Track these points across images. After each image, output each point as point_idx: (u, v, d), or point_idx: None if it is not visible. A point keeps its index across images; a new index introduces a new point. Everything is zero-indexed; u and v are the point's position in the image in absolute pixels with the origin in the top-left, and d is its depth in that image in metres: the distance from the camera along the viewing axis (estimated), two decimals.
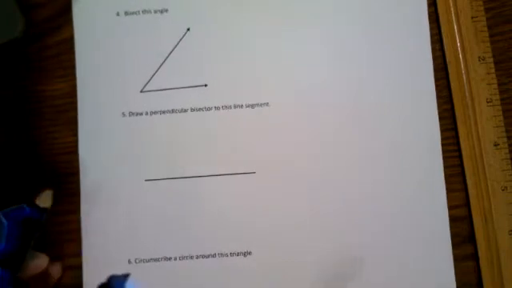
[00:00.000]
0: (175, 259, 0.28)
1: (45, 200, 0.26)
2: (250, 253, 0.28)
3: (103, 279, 0.28)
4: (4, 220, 0.24)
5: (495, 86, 0.29)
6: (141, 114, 0.29)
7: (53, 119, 0.30)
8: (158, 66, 0.30)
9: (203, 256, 0.28)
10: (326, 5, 0.30)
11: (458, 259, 0.28)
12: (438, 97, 0.29)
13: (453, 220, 0.28)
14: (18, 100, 0.30)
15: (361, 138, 0.29)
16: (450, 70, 0.29)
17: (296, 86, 0.29)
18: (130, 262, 0.28)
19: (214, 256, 0.28)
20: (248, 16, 0.30)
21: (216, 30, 0.30)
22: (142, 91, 0.29)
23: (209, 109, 0.29)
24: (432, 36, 0.29)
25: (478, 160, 0.28)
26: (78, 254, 0.29)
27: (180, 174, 0.29)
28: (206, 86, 0.29)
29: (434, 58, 0.29)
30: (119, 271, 0.28)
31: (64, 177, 0.29)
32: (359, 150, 0.29)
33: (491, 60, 0.29)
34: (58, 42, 0.30)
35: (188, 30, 0.30)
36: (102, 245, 0.29)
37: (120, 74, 0.30)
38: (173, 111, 0.29)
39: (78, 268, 0.28)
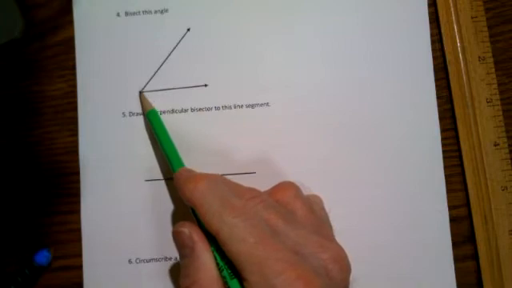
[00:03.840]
0: (175, 259, 0.28)
1: None
2: None
3: (103, 279, 0.28)
4: None
5: (495, 86, 0.29)
6: (141, 114, 0.29)
7: (53, 119, 0.30)
8: (158, 66, 0.30)
9: None
10: (325, 4, 0.30)
11: (458, 259, 0.28)
12: (438, 97, 0.29)
13: (453, 220, 0.28)
14: (18, 100, 0.30)
15: (360, 138, 0.29)
16: (449, 70, 0.29)
17: (296, 86, 0.29)
18: (130, 261, 0.28)
19: None
20: (248, 16, 0.30)
21: (216, 30, 0.30)
22: (140, 91, 0.30)
23: (209, 109, 0.29)
24: (432, 36, 0.29)
25: (478, 160, 0.28)
26: (78, 254, 0.29)
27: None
28: (206, 86, 0.29)
29: (434, 58, 0.29)
30: (119, 271, 0.28)
31: (64, 177, 0.29)
32: (359, 151, 0.29)
33: (491, 60, 0.29)
34: (57, 42, 0.30)
35: (188, 30, 0.30)
36: (102, 245, 0.29)
37: (120, 74, 0.30)
38: (173, 111, 0.29)
39: (78, 268, 0.28)
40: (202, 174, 0.24)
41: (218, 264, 0.22)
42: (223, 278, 0.22)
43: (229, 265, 0.22)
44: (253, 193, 0.24)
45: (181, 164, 0.27)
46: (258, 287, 0.20)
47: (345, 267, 0.22)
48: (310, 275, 0.20)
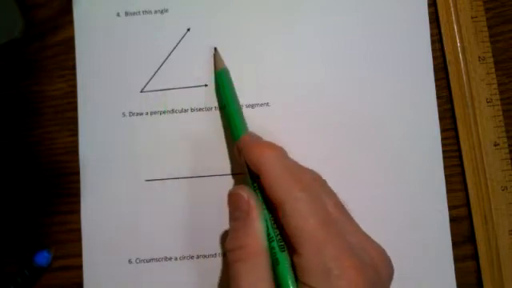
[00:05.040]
0: (175, 259, 0.28)
1: None
2: None
3: (103, 279, 0.28)
4: None
5: (495, 86, 0.29)
6: (141, 114, 0.29)
7: (53, 119, 0.30)
8: (158, 66, 0.30)
9: (203, 256, 0.28)
10: (325, 4, 0.30)
11: (458, 259, 0.28)
12: (438, 97, 0.29)
13: (453, 220, 0.28)
14: (18, 100, 0.30)
15: (361, 138, 0.29)
16: (449, 70, 0.29)
17: (296, 86, 0.29)
18: (130, 261, 0.28)
19: (214, 256, 0.28)
20: (248, 16, 0.30)
21: (216, 30, 0.30)
22: (142, 91, 0.30)
23: (209, 109, 0.29)
24: (432, 36, 0.29)
25: (478, 160, 0.28)
26: (78, 254, 0.29)
27: (180, 174, 0.29)
28: (206, 86, 0.29)
29: (434, 58, 0.29)
30: (119, 271, 0.28)
31: (64, 177, 0.29)
32: (359, 151, 0.29)
33: (491, 60, 0.29)
34: (57, 42, 0.30)
35: (188, 30, 0.30)
36: (102, 245, 0.29)
37: (120, 74, 0.30)
38: (173, 111, 0.29)
39: (78, 268, 0.28)
40: (271, 143, 0.24)
41: (268, 234, 0.22)
42: (271, 248, 0.22)
43: (280, 237, 0.22)
44: (315, 175, 0.24)
45: (246, 129, 0.26)
46: (312, 266, 0.20)
47: (391, 268, 0.23)
48: (364, 267, 0.21)
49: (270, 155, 0.23)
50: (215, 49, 0.29)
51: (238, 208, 0.23)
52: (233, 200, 0.23)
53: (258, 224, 0.22)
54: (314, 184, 0.23)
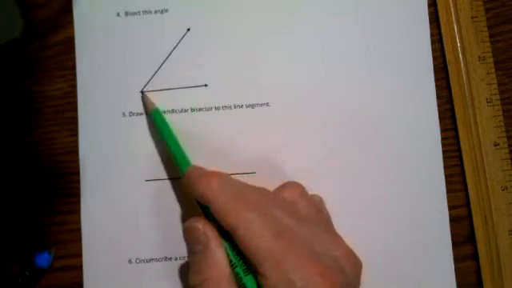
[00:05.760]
0: (175, 259, 0.28)
1: None
2: None
3: (103, 279, 0.28)
4: None
5: (495, 86, 0.29)
6: (141, 114, 0.29)
7: (53, 119, 0.30)
8: (158, 66, 0.30)
9: None
10: (325, 4, 0.30)
11: (458, 259, 0.28)
12: (438, 97, 0.29)
13: (453, 220, 0.28)
14: (18, 100, 0.30)
15: (361, 138, 0.29)
16: (449, 70, 0.29)
17: (296, 86, 0.29)
18: (130, 261, 0.28)
19: None
20: (248, 16, 0.30)
21: (216, 30, 0.30)
22: (142, 91, 0.30)
23: (209, 109, 0.29)
24: (432, 36, 0.29)
25: (478, 160, 0.28)
26: (78, 254, 0.29)
27: (180, 173, 0.29)
28: (206, 86, 0.29)
29: (434, 58, 0.29)
30: (119, 271, 0.28)
31: (64, 177, 0.29)
32: (359, 151, 0.29)
33: (491, 60, 0.29)
34: (57, 42, 0.30)
35: (188, 30, 0.30)
36: (102, 245, 0.29)
37: (120, 74, 0.30)
38: (173, 111, 0.29)
39: (78, 268, 0.28)
40: (214, 171, 0.24)
41: (230, 261, 0.22)
42: (236, 274, 0.22)
43: (242, 261, 0.22)
44: (263, 192, 0.24)
45: (189, 162, 0.27)
46: (275, 281, 0.20)
47: (358, 263, 0.23)
48: (328, 271, 0.20)
49: (213, 184, 0.23)
50: (142, 92, 0.29)
51: (195, 241, 0.23)
52: (189, 234, 0.23)
53: (218, 254, 0.22)
54: (263, 201, 0.22)
